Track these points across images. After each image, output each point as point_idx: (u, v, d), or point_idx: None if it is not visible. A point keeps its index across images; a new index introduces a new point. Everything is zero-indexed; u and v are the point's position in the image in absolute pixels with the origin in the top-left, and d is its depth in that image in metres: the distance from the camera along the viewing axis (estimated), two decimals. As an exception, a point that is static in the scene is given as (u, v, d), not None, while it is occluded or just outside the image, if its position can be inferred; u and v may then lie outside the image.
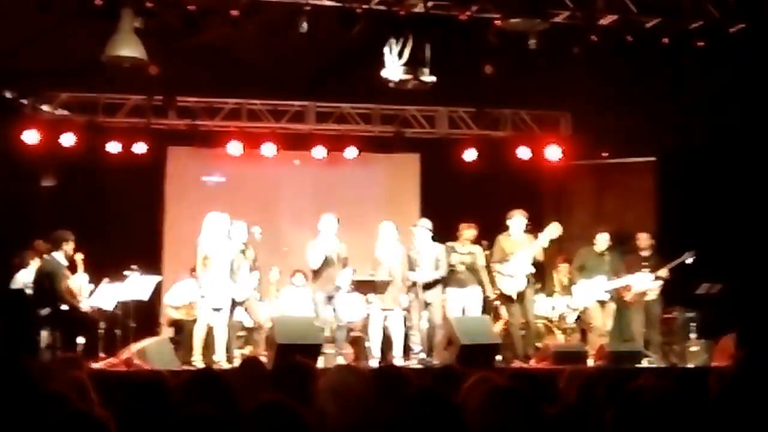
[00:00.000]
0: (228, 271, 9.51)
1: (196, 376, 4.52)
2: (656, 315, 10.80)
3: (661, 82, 10.96)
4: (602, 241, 10.88)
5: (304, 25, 9.01)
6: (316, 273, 10.03)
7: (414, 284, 10.06)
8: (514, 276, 10.22)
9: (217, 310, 9.41)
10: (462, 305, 10.24)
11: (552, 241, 10.37)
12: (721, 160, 11.64)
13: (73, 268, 9.45)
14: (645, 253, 10.90)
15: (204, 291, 9.47)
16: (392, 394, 3.97)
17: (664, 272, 10.66)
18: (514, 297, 10.25)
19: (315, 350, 9.00)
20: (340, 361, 9.81)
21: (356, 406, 3.65)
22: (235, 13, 9.04)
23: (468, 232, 10.41)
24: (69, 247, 9.35)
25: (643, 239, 10.98)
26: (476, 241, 10.45)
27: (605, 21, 9.76)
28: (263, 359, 7.89)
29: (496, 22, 9.14)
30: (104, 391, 4.52)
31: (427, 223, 10.41)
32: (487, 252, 10.40)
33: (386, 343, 10.19)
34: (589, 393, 4.35)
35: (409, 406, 3.18)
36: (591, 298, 10.77)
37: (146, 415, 4.12)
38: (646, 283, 10.71)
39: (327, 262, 9.92)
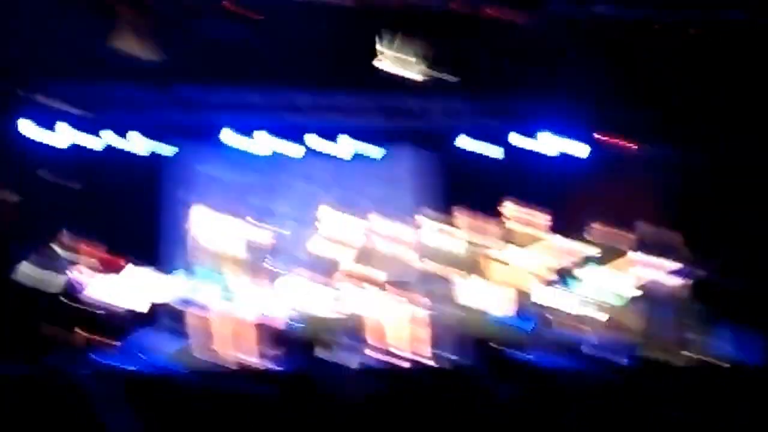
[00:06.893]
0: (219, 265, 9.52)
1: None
2: (666, 305, 10.78)
3: (658, 72, 10.96)
4: (595, 233, 10.86)
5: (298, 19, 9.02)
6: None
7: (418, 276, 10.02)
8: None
9: (215, 303, 9.41)
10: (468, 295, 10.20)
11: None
12: (720, 153, 11.64)
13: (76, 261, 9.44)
14: (652, 246, 10.90)
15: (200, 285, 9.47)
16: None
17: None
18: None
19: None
20: (348, 355, 9.86)
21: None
22: (229, 4, 9.01)
23: (463, 219, 10.39)
24: (63, 237, 9.33)
25: (650, 233, 10.99)
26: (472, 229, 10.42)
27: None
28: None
29: (489, 11, 9.14)
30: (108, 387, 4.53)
31: (429, 214, 10.38)
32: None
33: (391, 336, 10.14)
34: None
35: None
36: (590, 293, 10.75)
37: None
38: (651, 275, 10.70)
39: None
